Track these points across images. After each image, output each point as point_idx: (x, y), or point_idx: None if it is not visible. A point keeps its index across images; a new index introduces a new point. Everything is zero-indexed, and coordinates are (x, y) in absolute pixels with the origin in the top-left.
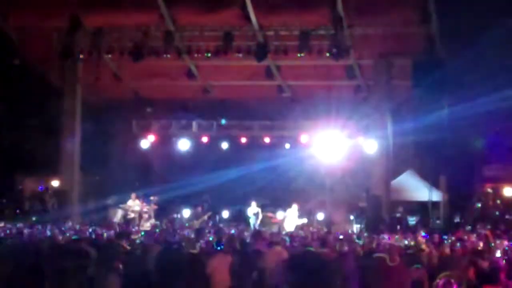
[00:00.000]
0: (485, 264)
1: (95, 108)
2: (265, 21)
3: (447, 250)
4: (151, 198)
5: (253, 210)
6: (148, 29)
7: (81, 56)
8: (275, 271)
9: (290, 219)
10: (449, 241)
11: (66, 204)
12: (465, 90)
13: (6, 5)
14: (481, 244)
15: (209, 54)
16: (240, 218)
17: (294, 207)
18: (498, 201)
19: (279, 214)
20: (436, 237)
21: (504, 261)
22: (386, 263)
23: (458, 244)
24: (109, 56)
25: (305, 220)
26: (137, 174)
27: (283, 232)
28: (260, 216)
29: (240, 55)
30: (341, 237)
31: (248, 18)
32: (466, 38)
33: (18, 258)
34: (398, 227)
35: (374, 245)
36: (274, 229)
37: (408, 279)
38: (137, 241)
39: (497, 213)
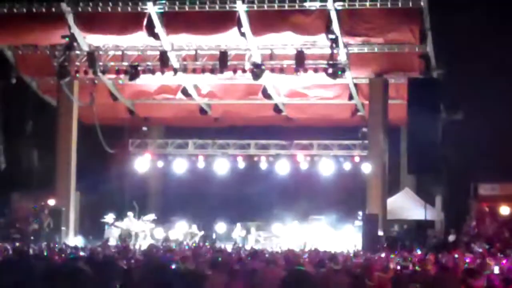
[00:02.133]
0: (479, 283)
1: (91, 127)
2: (261, 40)
3: (442, 269)
4: (147, 217)
5: (238, 232)
6: (144, 48)
7: (77, 76)
8: None
9: (285, 237)
10: (444, 260)
11: (62, 223)
12: (460, 108)
13: (3, 24)
14: (478, 262)
15: (205, 73)
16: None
17: (291, 225)
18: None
19: (276, 233)
20: (431, 255)
21: (499, 280)
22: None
23: (452, 263)
24: (105, 75)
25: (303, 239)
26: (134, 193)
27: (280, 251)
28: (253, 235)
29: (236, 74)
30: (337, 255)
31: (244, 37)
32: (462, 57)
33: (13, 278)
34: (394, 245)
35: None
36: (270, 247)
37: None
38: (132, 260)
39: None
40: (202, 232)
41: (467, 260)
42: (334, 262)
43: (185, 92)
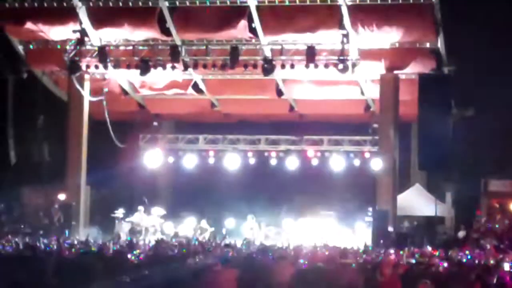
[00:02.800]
0: (492, 280)
1: (102, 122)
2: (272, 35)
3: (454, 265)
4: (157, 211)
5: (249, 225)
6: (155, 43)
7: (88, 70)
8: (283, 286)
9: (295, 233)
10: (455, 256)
11: (73, 218)
12: (471, 105)
13: (15, 19)
14: (488, 259)
15: (216, 69)
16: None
17: (301, 221)
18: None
19: (285, 228)
20: (442, 251)
21: (509, 277)
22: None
23: (464, 259)
24: (116, 70)
25: (311, 235)
26: (144, 188)
27: (289, 247)
28: (262, 230)
29: (247, 69)
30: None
31: (255, 32)
32: (473, 53)
33: (25, 273)
34: (404, 241)
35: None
36: (279, 243)
37: None
38: (142, 255)
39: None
40: (213, 228)
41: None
42: (345, 258)
43: (195, 87)
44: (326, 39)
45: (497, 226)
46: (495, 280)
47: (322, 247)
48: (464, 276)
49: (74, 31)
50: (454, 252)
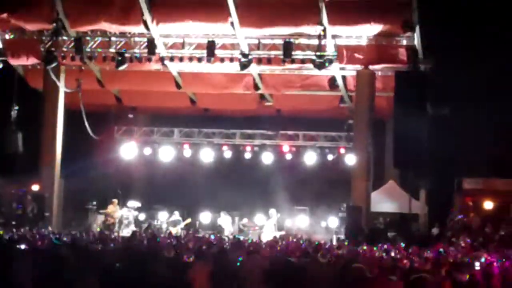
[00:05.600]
0: (462, 277)
1: (77, 113)
2: (249, 30)
3: (425, 262)
4: (132, 204)
5: (223, 220)
6: (131, 35)
7: (63, 62)
8: (255, 280)
9: (269, 227)
10: (428, 253)
11: (46, 209)
12: (447, 101)
13: None
14: (459, 256)
15: (192, 62)
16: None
17: (273, 215)
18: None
19: (258, 223)
20: (415, 249)
21: (481, 275)
22: (365, 274)
23: (436, 256)
24: (92, 62)
25: (283, 230)
26: (119, 180)
27: (263, 241)
28: (236, 225)
29: (224, 64)
30: (321, 246)
31: (232, 27)
32: (449, 50)
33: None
34: (377, 238)
35: (352, 256)
36: (253, 237)
37: None
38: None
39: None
40: (189, 219)
41: (453, 254)
42: (318, 253)
43: (172, 81)
44: (302, 34)
45: (471, 224)
46: (466, 278)
47: (296, 241)
48: (434, 274)
49: (51, 21)
50: (427, 250)
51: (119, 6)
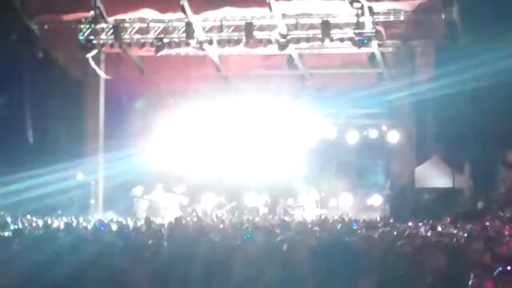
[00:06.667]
0: (503, 250)
1: (118, 101)
2: (286, 8)
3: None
4: (177, 189)
5: (259, 201)
6: (169, 21)
7: (102, 49)
8: (304, 260)
9: (313, 207)
10: (472, 227)
11: (91, 196)
12: (488, 75)
13: (28, 0)
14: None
15: (231, 45)
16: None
17: (316, 195)
18: None
19: (302, 203)
20: (460, 224)
21: None
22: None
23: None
24: (130, 48)
25: (327, 209)
26: (162, 167)
27: (308, 221)
28: (281, 206)
29: (262, 45)
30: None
31: (269, 7)
32: (489, 22)
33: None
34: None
35: (399, 232)
36: (298, 217)
37: (430, 266)
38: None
39: None
40: (234, 203)
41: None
42: (364, 231)
43: (214, 65)
44: (340, 12)
45: None
46: (507, 251)
47: (342, 220)
48: (476, 247)
49: (89, 10)
50: (473, 224)
51: None
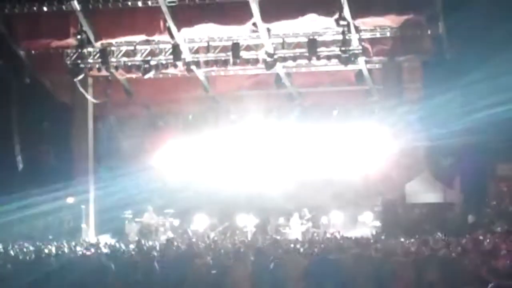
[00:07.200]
0: (500, 263)
1: (107, 125)
2: (273, 29)
3: (462, 251)
4: (168, 210)
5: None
6: (156, 42)
7: (90, 73)
8: (294, 279)
9: (303, 226)
10: (464, 241)
11: (82, 220)
12: (477, 89)
13: (15, 26)
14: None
15: (218, 65)
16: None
17: (307, 214)
18: None
19: (292, 222)
20: (452, 238)
21: None
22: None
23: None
24: (118, 72)
25: (318, 227)
26: (153, 189)
27: (299, 239)
28: (272, 225)
29: (249, 64)
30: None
31: (255, 27)
32: (475, 36)
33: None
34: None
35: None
36: (289, 236)
37: (421, 281)
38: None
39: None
40: (226, 224)
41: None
42: (356, 248)
43: (202, 86)
44: (326, 30)
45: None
46: (502, 265)
47: (333, 238)
48: (471, 262)
49: (75, 34)
50: (464, 238)
51: (142, 17)
